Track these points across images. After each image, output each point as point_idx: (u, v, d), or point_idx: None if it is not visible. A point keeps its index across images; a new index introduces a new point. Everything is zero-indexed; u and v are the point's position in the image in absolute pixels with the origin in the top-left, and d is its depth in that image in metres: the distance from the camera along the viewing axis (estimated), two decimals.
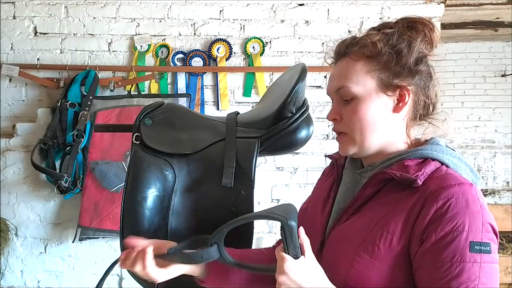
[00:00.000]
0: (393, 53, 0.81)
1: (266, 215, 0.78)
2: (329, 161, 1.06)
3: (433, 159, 0.80)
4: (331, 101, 0.90)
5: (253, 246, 1.04)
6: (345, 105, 0.84)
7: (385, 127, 0.83)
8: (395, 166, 0.81)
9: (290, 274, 0.73)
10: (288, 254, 0.75)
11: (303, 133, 1.10)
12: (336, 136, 0.88)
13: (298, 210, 0.87)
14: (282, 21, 2.50)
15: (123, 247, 0.91)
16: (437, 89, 0.86)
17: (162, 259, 0.86)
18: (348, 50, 0.85)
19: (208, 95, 2.48)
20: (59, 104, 2.34)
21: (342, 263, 0.80)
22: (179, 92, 2.43)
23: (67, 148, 2.30)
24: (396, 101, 0.83)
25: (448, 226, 0.71)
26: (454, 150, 0.85)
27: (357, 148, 0.85)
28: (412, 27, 0.84)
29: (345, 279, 0.79)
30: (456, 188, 0.73)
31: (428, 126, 0.88)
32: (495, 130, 4.17)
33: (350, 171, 0.92)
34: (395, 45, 0.82)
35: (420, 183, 0.75)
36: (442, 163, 0.80)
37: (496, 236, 0.74)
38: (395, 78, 0.81)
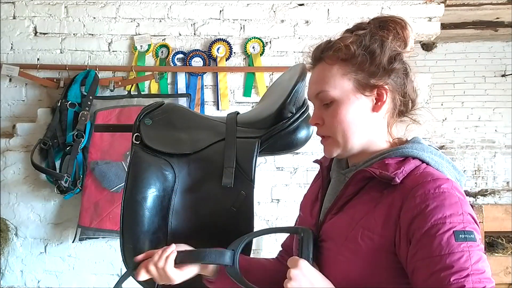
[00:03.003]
0: (366, 54, 0.82)
1: (289, 228, 0.86)
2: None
3: (414, 157, 0.81)
4: (313, 106, 0.91)
5: (253, 246, 1.05)
6: (325, 109, 0.86)
7: (366, 126, 0.85)
8: (376, 164, 0.82)
9: (304, 270, 0.78)
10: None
11: (303, 133, 1.11)
12: (320, 139, 0.90)
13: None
14: (282, 21, 2.50)
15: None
16: (415, 84, 0.88)
17: (176, 261, 0.89)
18: (323, 55, 0.86)
19: (208, 95, 2.48)
20: (59, 104, 2.34)
21: (328, 261, 0.83)
22: (179, 92, 2.43)
23: (67, 148, 2.30)
24: (375, 101, 0.84)
25: (430, 221, 0.71)
26: (437, 150, 0.86)
27: (340, 149, 0.86)
28: (383, 26, 0.85)
29: (332, 276, 0.80)
30: (431, 183, 0.74)
31: (410, 122, 0.89)
32: (495, 130, 4.17)
33: (336, 172, 0.93)
34: (368, 46, 0.83)
35: (398, 181, 0.76)
36: (423, 161, 0.81)
37: (478, 227, 0.75)
38: (371, 78, 0.82)
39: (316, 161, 1.03)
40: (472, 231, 0.71)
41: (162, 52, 2.48)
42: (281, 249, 1.09)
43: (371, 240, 0.76)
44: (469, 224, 0.72)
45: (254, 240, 1.05)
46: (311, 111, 1.15)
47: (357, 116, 0.83)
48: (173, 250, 0.90)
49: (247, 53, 2.47)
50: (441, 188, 0.74)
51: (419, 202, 0.73)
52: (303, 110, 1.10)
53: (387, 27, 0.85)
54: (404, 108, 0.87)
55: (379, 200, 0.78)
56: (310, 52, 0.91)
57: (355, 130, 0.84)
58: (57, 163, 2.33)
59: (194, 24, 2.50)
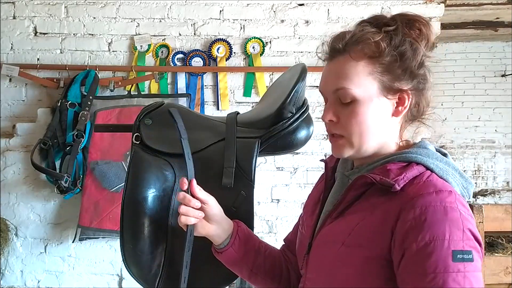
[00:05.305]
0: (396, 55, 0.78)
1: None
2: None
3: (418, 163, 0.77)
4: (324, 100, 0.86)
5: None
6: (343, 107, 0.80)
7: (383, 130, 0.81)
8: (377, 170, 0.79)
9: None
10: None
11: (303, 133, 1.10)
12: (329, 137, 0.85)
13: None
14: (282, 21, 2.50)
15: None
16: (431, 91, 0.84)
17: None
18: (348, 48, 0.80)
19: (208, 95, 2.48)
20: (59, 104, 2.34)
21: (324, 265, 0.81)
22: (179, 92, 2.43)
23: (67, 148, 2.30)
24: (396, 104, 0.80)
25: (428, 235, 0.68)
26: (445, 154, 0.83)
27: (354, 151, 0.82)
28: (411, 26, 0.80)
29: (328, 281, 0.79)
30: (433, 195, 0.71)
31: (419, 125, 0.86)
32: (495, 130, 4.18)
33: (340, 173, 0.91)
34: (397, 46, 0.78)
35: (398, 188, 0.73)
36: (427, 168, 0.77)
37: (479, 243, 0.71)
38: (396, 81, 0.79)
39: (322, 160, 1.02)
40: (470, 251, 0.68)
41: (162, 52, 2.48)
42: (283, 243, 1.09)
43: (362, 246, 0.74)
44: (469, 242, 0.68)
45: None
46: (311, 111, 1.16)
47: (376, 119, 0.79)
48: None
49: (247, 53, 2.47)
50: (443, 202, 0.70)
51: (419, 214, 0.69)
52: (303, 110, 1.10)
53: (413, 27, 0.80)
54: (418, 113, 0.84)
55: (376, 207, 0.75)
56: (328, 41, 0.84)
57: (373, 133, 0.80)
58: (57, 163, 2.33)
59: (194, 24, 2.50)
